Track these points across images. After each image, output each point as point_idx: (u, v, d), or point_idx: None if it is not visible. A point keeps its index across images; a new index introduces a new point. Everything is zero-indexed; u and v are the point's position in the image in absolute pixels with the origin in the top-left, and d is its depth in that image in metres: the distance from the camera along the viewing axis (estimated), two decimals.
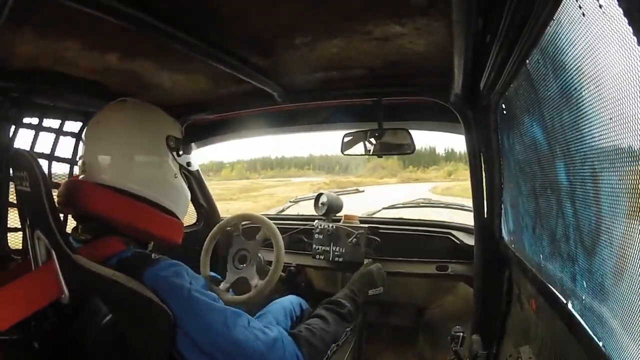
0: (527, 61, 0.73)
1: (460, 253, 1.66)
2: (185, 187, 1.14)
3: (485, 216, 1.34)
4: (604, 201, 0.51)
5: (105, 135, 1.01)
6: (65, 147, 1.35)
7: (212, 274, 1.34)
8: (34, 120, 1.23)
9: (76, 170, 1.31)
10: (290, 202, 2.60)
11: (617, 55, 0.42)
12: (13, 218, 1.20)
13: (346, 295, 1.22)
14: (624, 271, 0.47)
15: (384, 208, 2.39)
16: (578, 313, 0.63)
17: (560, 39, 0.57)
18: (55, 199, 0.96)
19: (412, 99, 1.46)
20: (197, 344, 0.85)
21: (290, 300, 1.37)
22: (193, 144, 1.78)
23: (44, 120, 1.26)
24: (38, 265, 0.91)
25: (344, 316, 1.14)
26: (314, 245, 1.82)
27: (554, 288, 0.75)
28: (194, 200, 1.94)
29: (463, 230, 1.76)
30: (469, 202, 1.47)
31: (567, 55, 0.56)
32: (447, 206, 2.42)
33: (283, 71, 1.20)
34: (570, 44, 0.54)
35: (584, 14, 0.47)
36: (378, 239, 1.73)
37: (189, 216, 1.95)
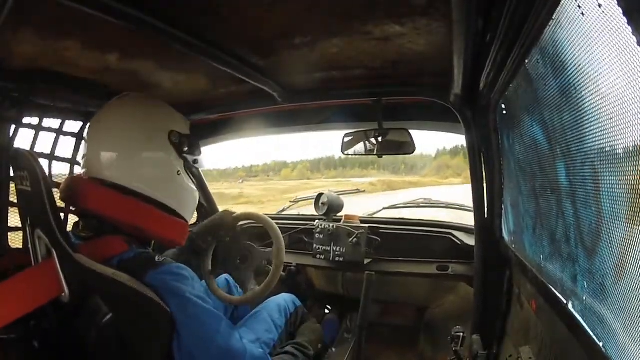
0: (527, 61, 0.73)
1: (461, 253, 1.66)
2: (191, 185, 1.10)
3: (486, 216, 1.34)
4: (604, 201, 0.51)
5: (105, 132, 1.00)
6: (66, 147, 1.35)
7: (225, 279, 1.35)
8: (34, 120, 1.23)
9: (77, 169, 1.31)
10: (290, 201, 2.61)
11: (617, 54, 0.42)
12: (14, 217, 1.20)
13: (309, 342, 1.37)
14: (624, 272, 0.47)
15: (384, 208, 2.39)
16: (578, 313, 0.63)
17: (559, 38, 0.57)
18: (57, 196, 0.96)
19: (412, 99, 1.46)
20: (189, 348, 0.86)
21: (284, 298, 1.39)
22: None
23: (44, 120, 1.26)
24: (38, 264, 0.91)
25: (310, 357, 1.31)
26: (314, 245, 1.82)
27: (554, 288, 0.75)
28: None
29: (463, 230, 1.76)
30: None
31: (566, 54, 0.56)
32: (448, 206, 2.42)
33: (283, 71, 1.20)
34: (569, 43, 0.54)
35: (583, 14, 0.47)
36: (378, 239, 1.74)
37: None
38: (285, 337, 1.35)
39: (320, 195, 1.97)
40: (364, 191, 3.92)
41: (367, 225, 1.76)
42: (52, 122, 1.30)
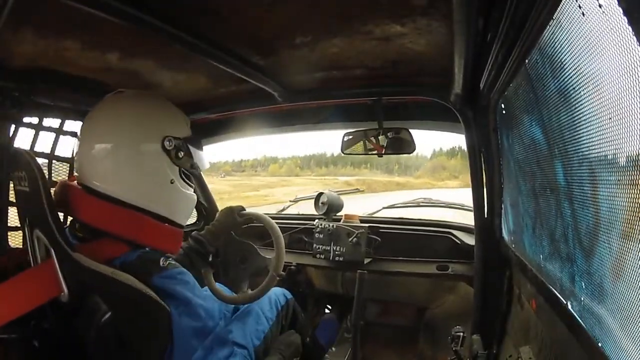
0: (527, 61, 0.73)
1: (461, 253, 1.66)
2: (187, 190, 1.06)
3: (486, 216, 1.34)
4: (603, 201, 0.51)
5: (96, 136, 0.96)
6: (66, 146, 1.35)
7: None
8: (34, 120, 1.23)
9: None
10: (290, 201, 2.61)
11: (617, 55, 0.42)
12: (13, 217, 1.20)
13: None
14: (622, 272, 0.47)
15: (384, 207, 2.39)
16: (578, 313, 0.63)
17: (560, 38, 0.57)
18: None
19: (412, 99, 1.46)
20: (171, 349, 0.86)
21: (274, 292, 1.38)
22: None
23: (44, 119, 1.26)
24: (37, 264, 0.91)
25: None
26: (314, 245, 1.82)
27: (554, 288, 0.75)
28: None
29: (463, 230, 1.76)
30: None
31: (566, 55, 0.56)
32: (448, 206, 2.42)
33: (283, 71, 1.20)
34: (569, 43, 0.54)
35: (583, 14, 0.47)
36: (378, 239, 1.74)
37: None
38: (277, 330, 1.36)
39: (320, 194, 1.97)
40: (363, 190, 3.90)
41: (367, 224, 1.76)
42: (52, 122, 1.30)
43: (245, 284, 1.28)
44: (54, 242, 0.84)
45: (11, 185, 1.13)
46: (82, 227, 0.97)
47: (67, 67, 1.09)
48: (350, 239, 1.72)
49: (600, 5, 0.42)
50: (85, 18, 0.76)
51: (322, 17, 0.85)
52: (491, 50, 0.81)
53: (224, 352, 0.93)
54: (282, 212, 2.44)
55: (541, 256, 0.85)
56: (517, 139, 0.96)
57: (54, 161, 1.32)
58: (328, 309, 2.08)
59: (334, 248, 1.76)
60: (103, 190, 0.94)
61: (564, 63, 0.57)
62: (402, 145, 1.54)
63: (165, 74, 1.21)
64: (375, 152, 1.58)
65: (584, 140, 0.54)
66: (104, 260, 0.88)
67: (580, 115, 0.54)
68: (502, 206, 1.26)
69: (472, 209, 1.40)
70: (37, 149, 1.26)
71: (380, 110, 1.44)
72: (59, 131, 1.32)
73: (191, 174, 1.07)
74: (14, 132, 1.17)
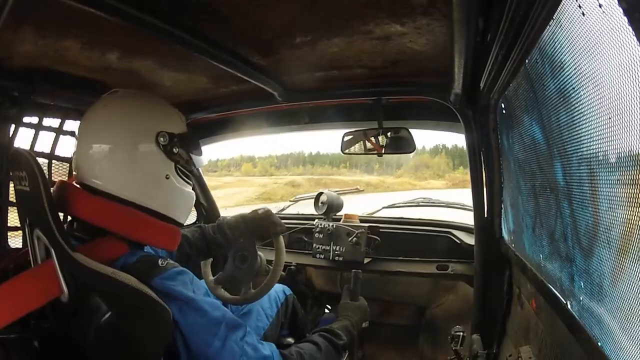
0: (527, 61, 0.73)
1: (461, 252, 1.66)
2: (184, 187, 1.05)
3: (486, 216, 1.34)
4: (602, 201, 0.51)
5: (91, 134, 0.96)
6: (66, 146, 1.35)
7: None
8: (34, 120, 1.23)
9: None
10: (290, 201, 2.61)
11: (617, 55, 0.42)
12: (13, 217, 1.20)
13: (344, 327, 1.16)
14: (622, 271, 0.47)
15: (384, 207, 2.39)
16: (578, 313, 0.63)
17: (559, 38, 0.57)
18: None
19: (412, 98, 1.46)
20: (188, 348, 0.86)
21: (274, 288, 1.37)
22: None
23: (44, 119, 1.26)
24: (37, 264, 0.91)
25: (338, 348, 1.08)
26: (314, 245, 1.82)
27: (554, 288, 0.75)
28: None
29: (463, 229, 1.76)
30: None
31: (566, 54, 0.56)
32: (448, 205, 2.42)
33: (283, 70, 1.20)
34: (569, 43, 0.54)
35: (583, 14, 0.47)
36: (378, 238, 1.74)
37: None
38: (277, 326, 1.35)
39: (319, 194, 1.97)
40: (362, 190, 3.90)
41: (366, 224, 1.76)
42: (52, 122, 1.30)
43: (245, 284, 1.28)
44: (54, 242, 0.84)
45: (11, 185, 1.13)
46: (80, 226, 0.97)
47: (67, 67, 1.09)
48: (350, 239, 1.72)
49: (600, 5, 0.42)
50: (85, 18, 0.76)
51: (322, 16, 0.85)
52: (491, 50, 0.81)
53: (239, 333, 0.92)
54: (282, 212, 2.44)
55: (541, 256, 0.85)
56: (517, 139, 0.96)
57: (54, 161, 1.32)
58: (328, 308, 2.08)
59: (334, 248, 1.77)
60: (100, 187, 0.94)
61: (564, 63, 0.57)
62: (402, 145, 1.55)
63: (165, 74, 1.21)
64: (375, 152, 1.58)
65: (584, 140, 0.55)
66: (104, 262, 0.88)
67: (580, 115, 0.54)
68: (502, 206, 1.26)
69: (472, 208, 1.40)
70: (37, 148, 1.26)
71: (380, 110, 1.44)
72: (59, 131, 1.31)
73: (189, 171, 1.07)
74: (14, 132, 1.17)
